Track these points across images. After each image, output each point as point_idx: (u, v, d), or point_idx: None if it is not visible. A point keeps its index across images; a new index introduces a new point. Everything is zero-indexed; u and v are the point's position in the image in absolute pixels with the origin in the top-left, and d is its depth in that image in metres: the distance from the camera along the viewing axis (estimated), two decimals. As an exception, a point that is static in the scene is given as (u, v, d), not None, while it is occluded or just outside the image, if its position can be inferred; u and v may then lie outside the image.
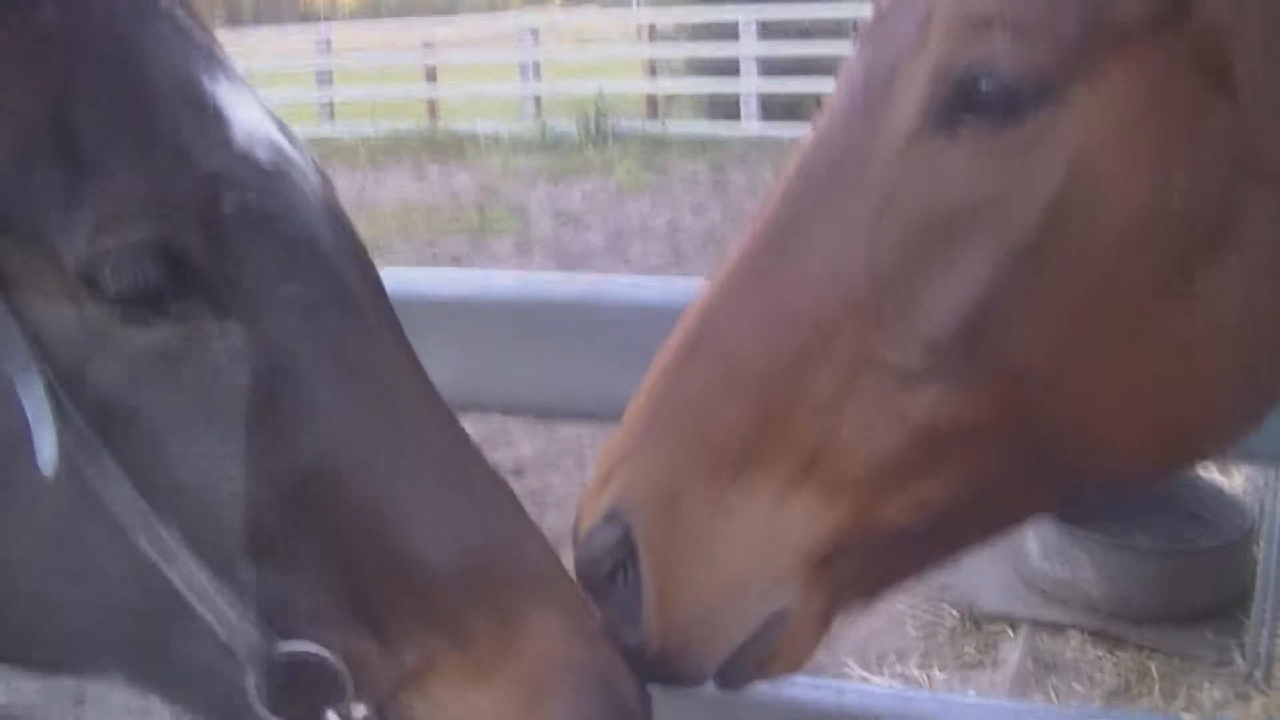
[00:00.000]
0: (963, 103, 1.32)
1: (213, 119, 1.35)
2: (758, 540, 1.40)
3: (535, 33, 24.36)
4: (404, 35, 30.57)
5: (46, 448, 1.24)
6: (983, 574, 5.78)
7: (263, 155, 1.37)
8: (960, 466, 1.37)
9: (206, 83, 1.37)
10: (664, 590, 1.41)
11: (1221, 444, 1.48)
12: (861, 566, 1.43)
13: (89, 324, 1.28)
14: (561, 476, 7.40)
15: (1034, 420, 1.35)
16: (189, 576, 1.28)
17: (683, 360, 1.46)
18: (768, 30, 20.84)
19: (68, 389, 1.27)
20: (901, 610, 5.67)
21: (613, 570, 1.44)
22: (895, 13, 1.42)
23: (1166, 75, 1.28)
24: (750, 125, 20.30)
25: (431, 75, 24.84)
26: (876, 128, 1.38)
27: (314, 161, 1.46)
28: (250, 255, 1.31)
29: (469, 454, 1.41)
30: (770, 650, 1.45)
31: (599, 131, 20.58)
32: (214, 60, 1.42)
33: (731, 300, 1.45)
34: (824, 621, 1.46)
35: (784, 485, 1.39)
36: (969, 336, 1.32)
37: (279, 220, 1.34)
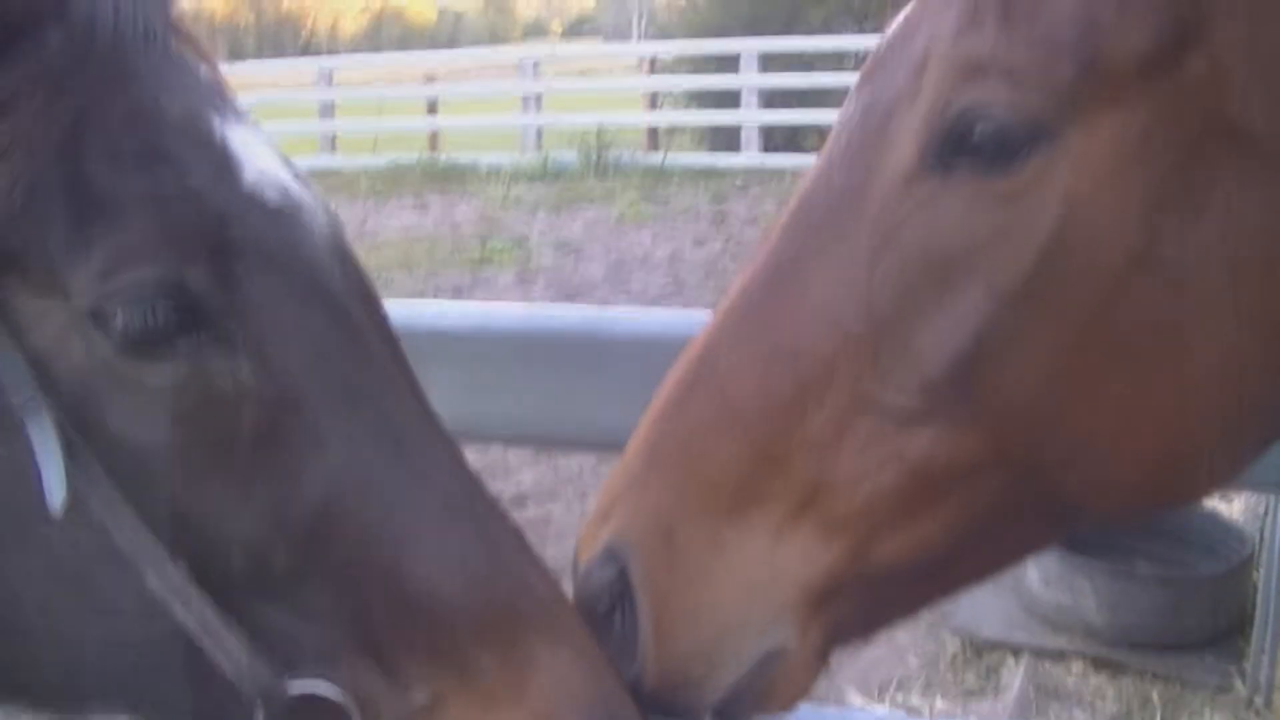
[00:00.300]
0: (958, 145, 1.33)
1: (221, 157, 1.36)
2: (755, 577, 1.40)
3: (536, 65, 24.39)
4: (405, 68, 30.65)
5: (54, 485, 1.24)
6: (984, 602, 5.77)
7: (271, 194, 1.37)
8: (957, 504, 1.37)
9: (215, 121, 1.38)
10: (661, 626, 1.42)
11: (1223, 466, 1.45)
12: (859, 603, 1.44)
13: (97, 361, 1.28)
14: (563, 507, 7.39)
15: (1031, 457, 1.35)
16: (197, 614, 1.28)
17: (682, 397, 1.47)
18: (768, 62, 20.87)
19: (76, 425, 1.27)
20: (903, 639, 5.65)
21: (610, 607, 1.45)
22: (893, 55, 1.43)
23: (1160, 117, 1.29)
24: (751, 156, 20.31)
25: (433, 107, 24.86)
26: (874, 168, 1.39)
27: (321, 200, 1.46)
28: (258, 293, 1.32)
29: (474, 488, 1.41)
30: (767, 686, 1.45)
31: (600, 163, 20.58)
32: (221, 98, 1.42)
33: (731, 338, 1.46)
34: (821, 658, 1.46)
35: (782, 522, 1.39)
36: (965, 376, 1.33)
37: (287, 258, 1.35)
